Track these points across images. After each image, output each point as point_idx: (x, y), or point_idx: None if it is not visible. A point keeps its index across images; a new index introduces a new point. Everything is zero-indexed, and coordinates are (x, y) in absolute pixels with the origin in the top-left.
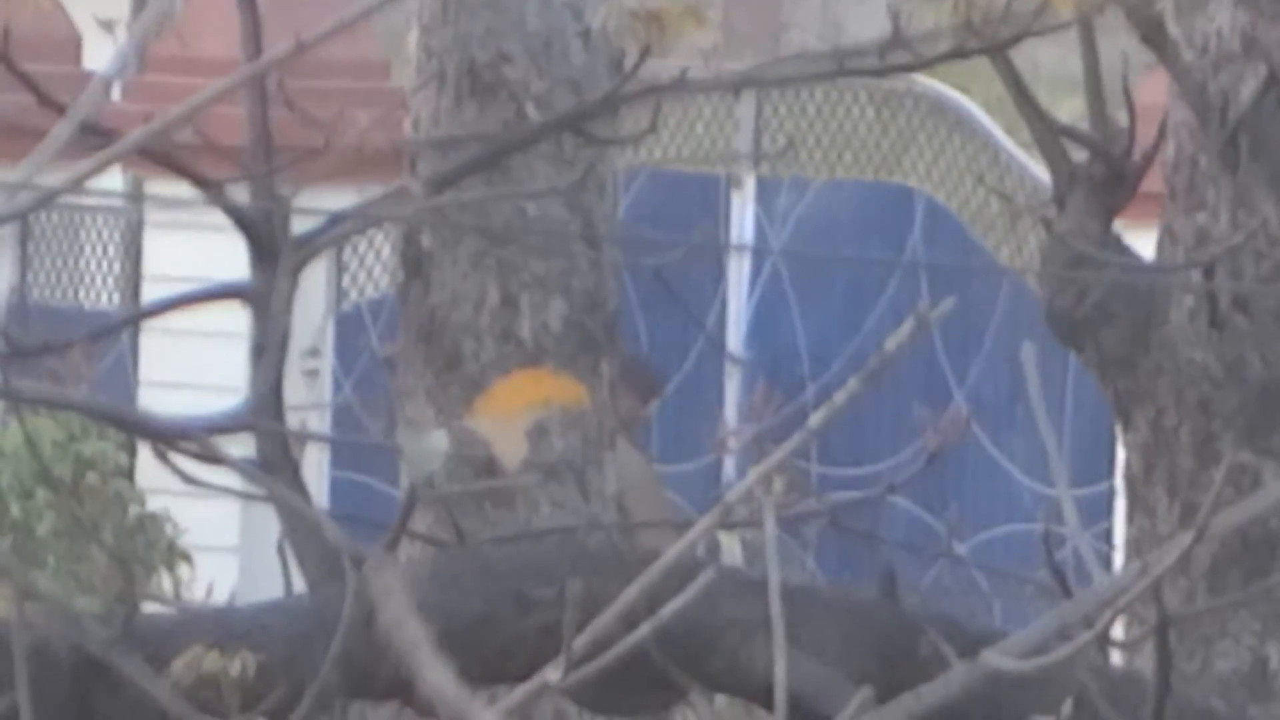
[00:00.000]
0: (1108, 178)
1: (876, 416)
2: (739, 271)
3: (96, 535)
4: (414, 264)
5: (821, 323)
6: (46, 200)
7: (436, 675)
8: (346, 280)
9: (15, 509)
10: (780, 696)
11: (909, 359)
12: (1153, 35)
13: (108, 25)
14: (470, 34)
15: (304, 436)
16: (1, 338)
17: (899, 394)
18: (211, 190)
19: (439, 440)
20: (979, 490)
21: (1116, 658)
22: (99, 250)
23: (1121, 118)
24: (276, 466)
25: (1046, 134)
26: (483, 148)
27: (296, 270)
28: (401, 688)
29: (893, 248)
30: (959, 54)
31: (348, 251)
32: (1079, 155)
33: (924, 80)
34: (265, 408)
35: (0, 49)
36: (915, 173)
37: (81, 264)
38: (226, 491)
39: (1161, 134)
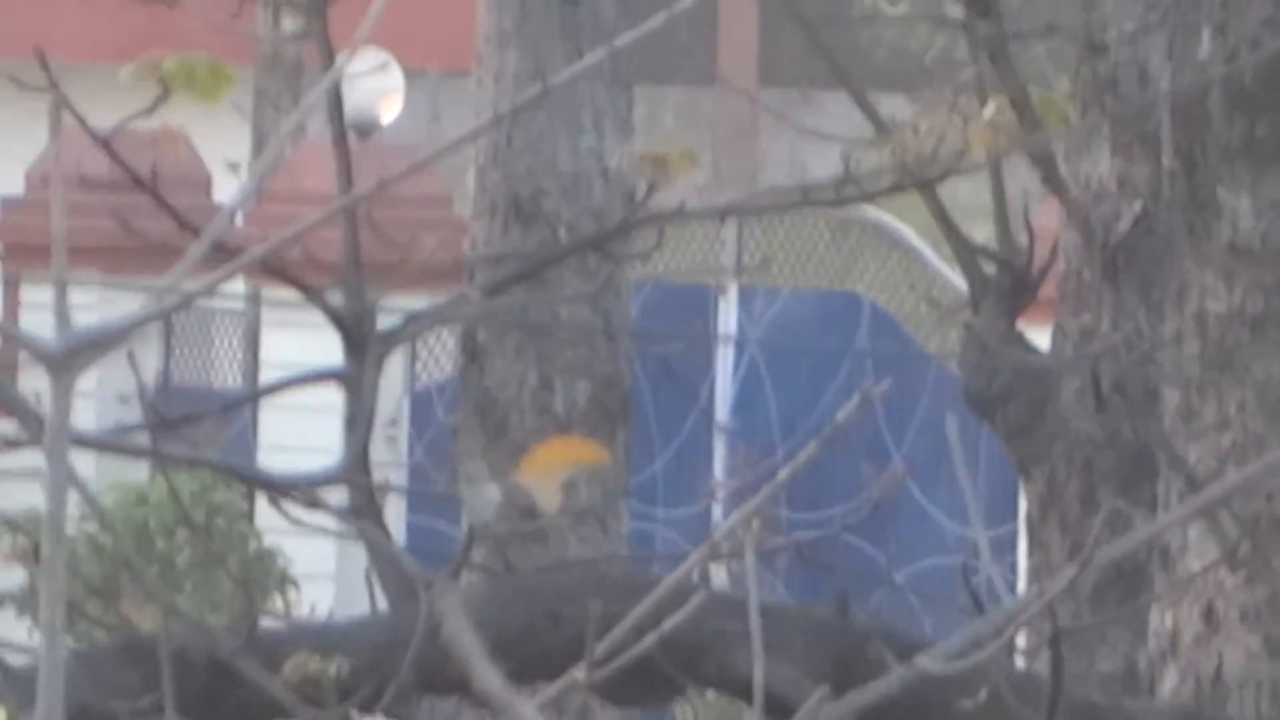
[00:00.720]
0: (1012, 287)
1: (832, 472)
2: (725, 360)
3: (224, 566)
4: (471, 353)
5: (789, 400)
6: (185, 303)
7: (487, 675)
8: (419, 366)
9: (161, 545)
10: (758, 692)
11: (857, 428)
12: (1048, 174)
13: (233, 166)
14: (515, 174)
15: (385, 489)
16: (150, 412)
17: (850, 455)
18: (314, 295)
19: (492, 492)
20: (912, 531)
21: (1020, 661)
22: (226, 342)
23: (1023, 239)
24: (364, 512)
25: (964, 252)
26: (525, 263)
27: (380, 359)
28: (461, 685)
29: (844, 341)
30: (896, 189)
31: (420, 344)
32: (990, 269)
33: (869, 209)
34: (356, 466)
35: (150, 185)
36: (862, 282)
37: (212, 353)
38: (325, 531)
39: (1054, 253)
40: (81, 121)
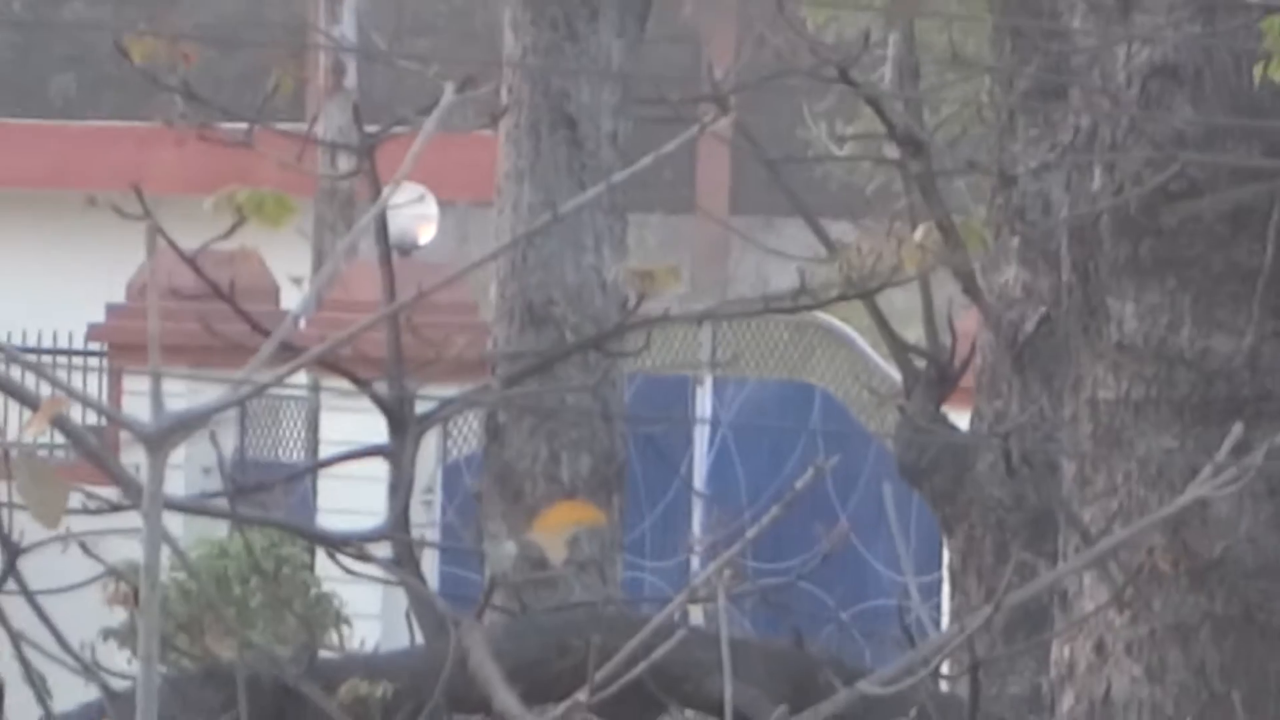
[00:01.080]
0: (938, 378)
1: (790, 530)
2: (701, 438)
3: (289, 607)
4: (493, 432)
5: (754, 471)
6: (258, 392)
7: (506, 698)
8: (450, 443)
9: (237, 590)
10: (728, 711)
11: (811, 494)
12: (968, 286)
13: (296, 280)
14: (529, 286)
15: (421, 544)
16: (229, 481)
17: (804, 516)
18: (363, 385)
19: (509, 547)
20: (855, 578)
21: (944, 686)
22: (292, 423)
23: (946, 339)
24: (405, 563)
25: (898, 349)
26: (537, 359)
27: (418, 437)
28: (484, 706)
29: (800, 422)
30: (842, 298)
31: (451, 425)
32: (920, 363)
33: (821, 315)
34: (398, 525)
35: (228, 295)
36: (814, 374)
37: (280, 432)
38: (373, 578)
39: (973, 350)
40: (172, 244)
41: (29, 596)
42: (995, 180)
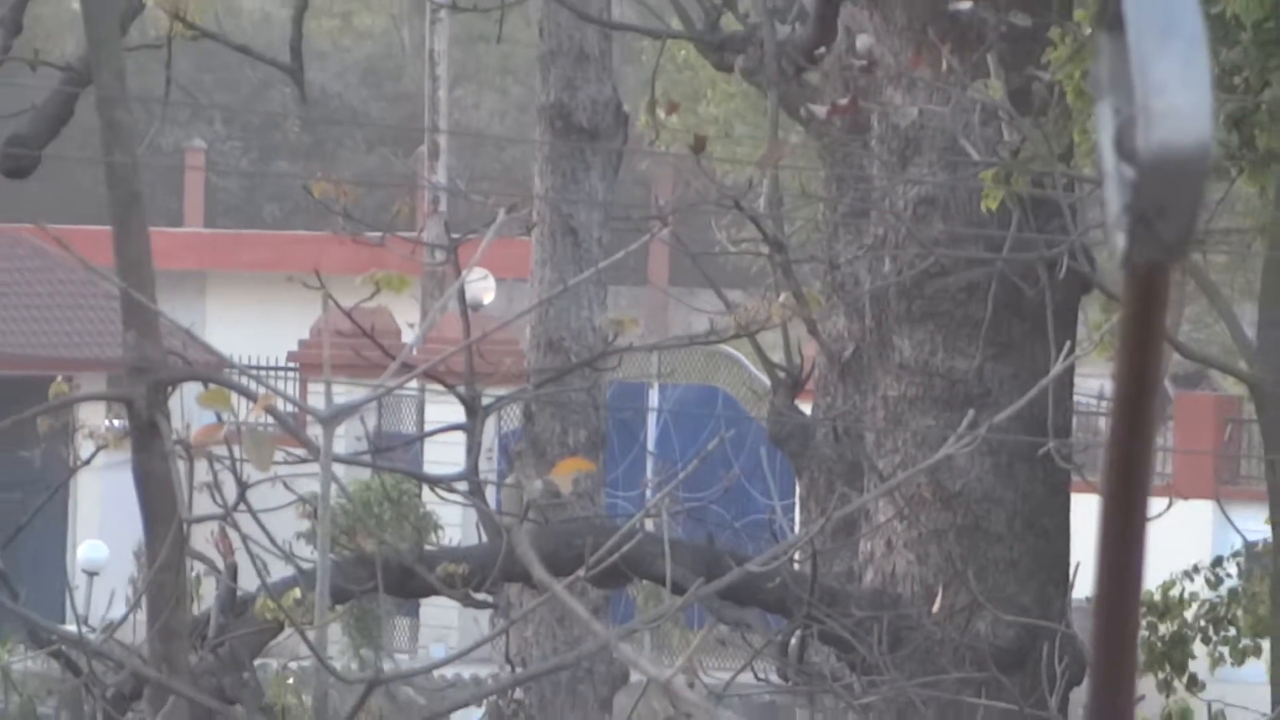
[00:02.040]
0: (792, 384)
1: (705, 475)
2: (651, 420)
3: (407, 520)
4: (528, 416)
5: (684, 440)
6: (388, 391)
7: (539, 572)
8: (502, 423)
9: (376, 510)
10: (668, 581)
11: (716, 453)
12: (811, 329)
13: (410, 325)
14: (550, 329)
15: (485, 483)
16: (372, 445)
17: (714, 466)
18: (450, 388)
19: (538, 484)
20: (744, 503)
21: (796, 567)
22: (409, 411)
23: (797, 360)
24: (476, 494)
25: (769, 366)
26: (554, 373)
27: (483, 420)
28: (525, 578)
29: (710, 410)
30: (736, 336)
31: (503, 412)
32: (781, 375)
33: (723, 346)
34: (472, 471)
35: (370, 334)
36: (719, 381)
37: (401, 416)
38: (457, 503)
39: (813, 367)
40: (337, 304)
41: (253, 514)
42: (826, 266)
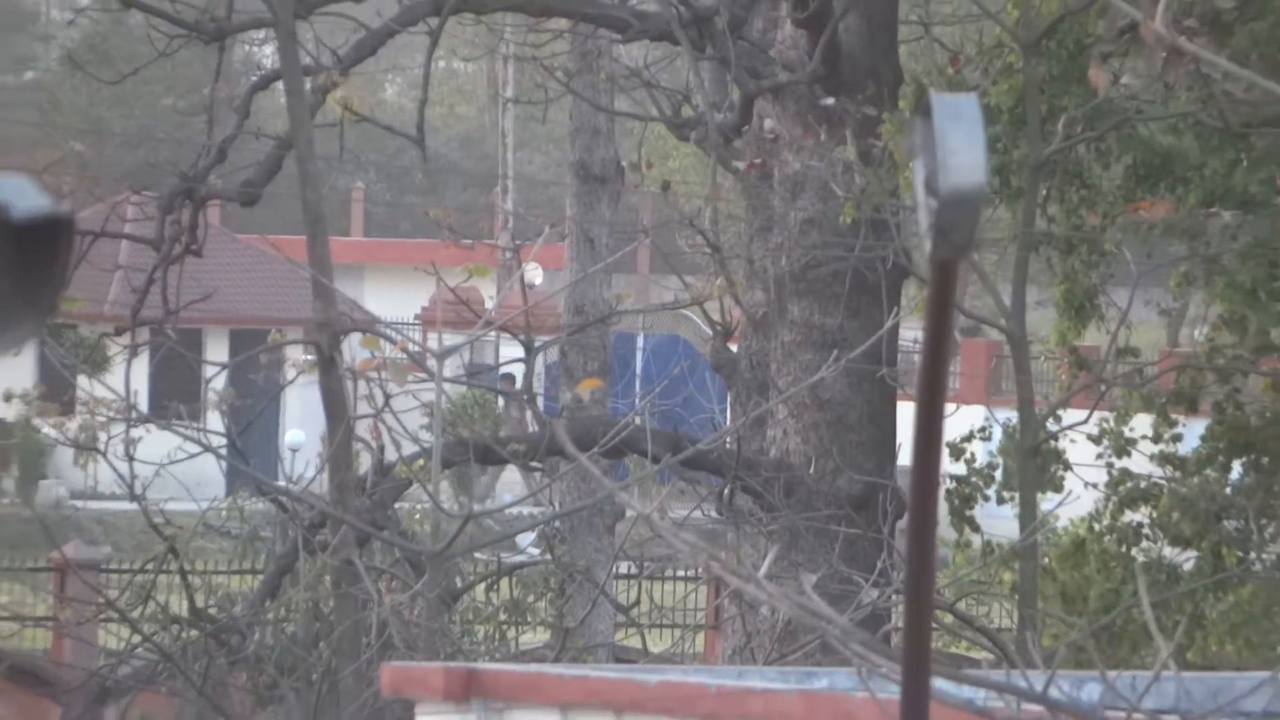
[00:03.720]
0: (724, 335)
1: (674, 390)
2: (638, 358)
3: (488, 415)
4: (563, 354)
5: (660, 368)
6: (475, 338)
7: (571, 449)
8: (547, 358)
9: (470, 412)
10: (649, 455)
11: (679, 377)
12: (737, 300)
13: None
14: (574, 299)
15: (536, 395)
16: (467, 370)
17: (676, 385)
18: (514, 334)
19: (569, 396)
20: (696, 407)
21: (729, 446)
22: (491, 351)
23: (729, 319)
24: (530, 401)
25: (711, 324)
26: (579, 327)
27: (535, 356)
28: (561, 451)
29: (674, 351)
30: (692, 304)
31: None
32: (719, 328)
33: (685, 311)
34: (527, 387)
35: (465, 303)
36: (681, 331)
37: (485, 353)
38: (521, 407)
39: (738, 323)
40: (446, 284)
41: (393, 413)
42: (747, 261)
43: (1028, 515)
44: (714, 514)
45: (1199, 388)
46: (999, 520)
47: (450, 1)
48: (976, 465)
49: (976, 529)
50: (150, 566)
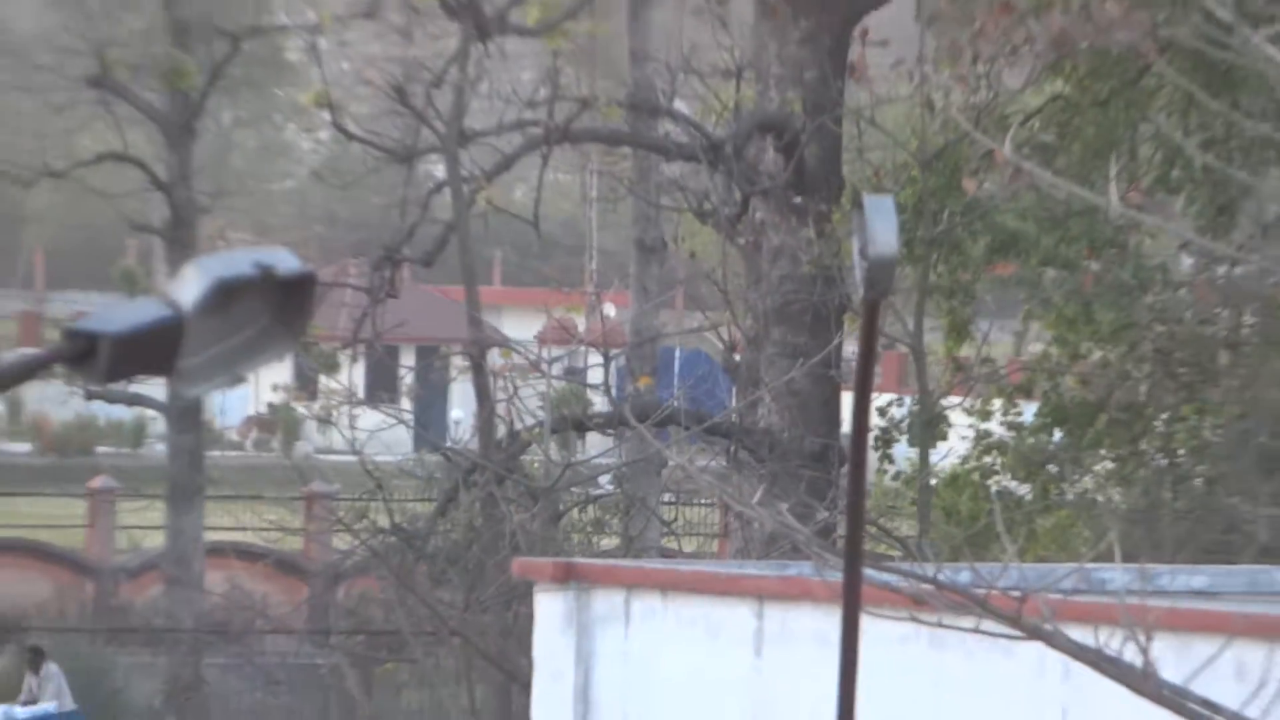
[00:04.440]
0: (732, 348)
1: (703, 385)
2: (675, 363)
3: (579, 401)
4: (627, 360)
5: (689, 370)
6: (571, 351)
7: (633, 420)
8: (616, 363)
9: (567, 399)
10: (683, 424)
11: (703, 377)
12: (738, 326)
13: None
14: (635, 327)
15: (610, 386)
16: (564, 371)
17: (701, 381)
18: (596, 348)
19: (631, 388)
20: (714, 396)
21: (734, 418)
22: (581, 359)
23: (734, 338)
24: (607, 391)
25: (722, 341)
26: (637, 343)
27: (610, 361)
28: (627, 424)
29: (700, 358)
30: (710, 328)
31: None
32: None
33: (707, 334)
34: (605, 382)
35: (564, 326)
36: (704, 347)
37: (578, 360)
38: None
39: (739, 341)
40: (551, 315)
41: (520, 400)
42: (746, 301)
43: (924, 460)
44: (723, 463)
45: (1033, 383)
46: (907, 458)
47: (554, 137)
48: (894, 419)
49: (893, 462)
50: (364, 497)
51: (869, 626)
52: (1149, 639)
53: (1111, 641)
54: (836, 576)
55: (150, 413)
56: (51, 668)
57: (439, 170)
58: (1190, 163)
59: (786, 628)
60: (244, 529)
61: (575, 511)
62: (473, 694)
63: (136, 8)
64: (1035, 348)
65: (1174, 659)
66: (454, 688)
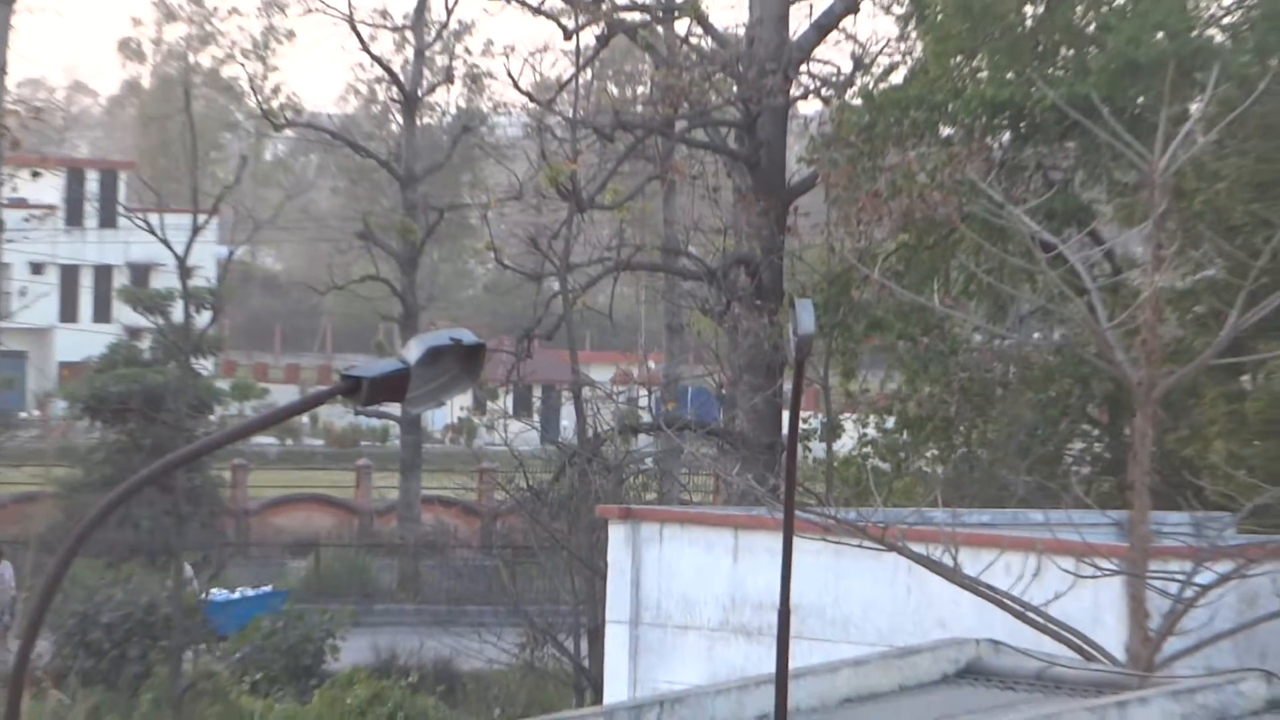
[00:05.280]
0: (719, 386)
1: (699, 407)
2: (689, 395)
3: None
4: (660, 396)
5: (696, 399)
6: (630, 386)
7: (664, 426)
8: (655, 394)
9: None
10: (691, 429)
11: (699, 403)
12: (724, 374)
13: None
14: (666, 380)
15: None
16: (628, 397)
17: (699, 405)
18: (642, 384)
19: (663, 409)
20: (709, 415)
21: (722, 423)
22: (648, 396)
23: (721, 383)
24: (658, 410)
25: (717, 384)
26: (666, 384)
27: (657, 394)
28: (660, 429)
29: (702, 392)
30: (707, 376)
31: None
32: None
33: (706, 377)
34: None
35: (626, 376)
36: (703, 384)
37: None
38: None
39: (725, 382)
40: (621, 369)
41: (599, 416)
42: (729, 361)
43: (829, 450)
44: (715, 451)
45: (891, 406)
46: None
47: (620, 266)
48: (812, 427)
49: (811, 451)
50: (512, 470)
51: (798, 544)
52: (957, 550)
53: (935, 552)
54: (779, 516)
55: (391, 422)
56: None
57: (555, 285)
58: (980, 281)
59: (752, 545)
60: (444, 488)
61: (631, 479)
62: (574, 582)
63: (385, 194)
64: (891, 386)
65: (971, 562)
66: (564, 578)
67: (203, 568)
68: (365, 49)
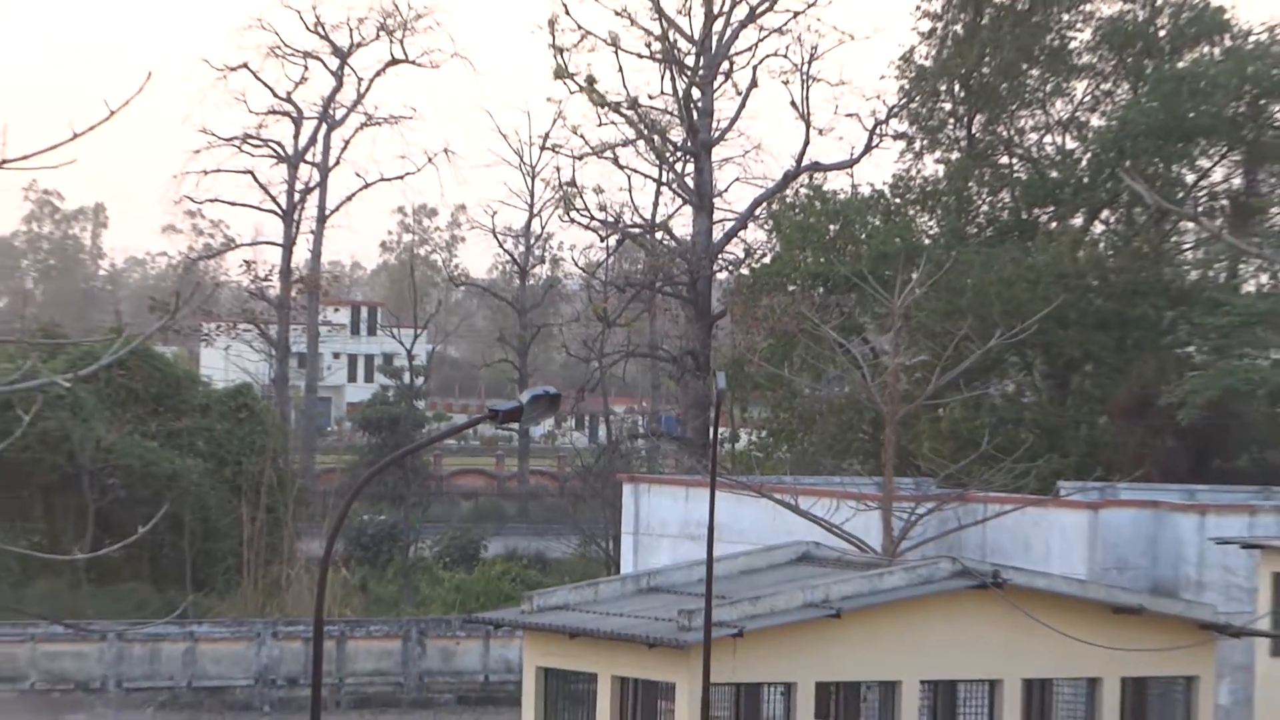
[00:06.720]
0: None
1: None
2: (672, 422)
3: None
4: (655, 432)
5: (670, 425)
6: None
7: (659, 437)
8: (662, 422)
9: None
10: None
11: (672, 425)
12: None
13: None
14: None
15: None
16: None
17: (670, 427)
18: (661, 421)
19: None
20: (665, 423)
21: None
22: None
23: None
24: (675, 437)
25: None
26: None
27: (661, 432)
28: (668, 438)
29: (673, 422)
30: (677, 413)
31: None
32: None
33: (673, 415)
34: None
35: (664, 421)
36: (675, 417)
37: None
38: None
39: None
40: (642, 411)
41: (630, 432)
42: (684, 409)
43: (733, 447)
44: (678, 447)
45: (768, 425)
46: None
47: (629, 359)
48: (724, 435)
49: (725, 446)
50: (573, 455)
51: (718, 495)
52: (797, 497)
53: (786, 497)
54: (708, 480)
55: (514, 432)
56: None
57: (595, 364)
58: (808, 362)
59: (695, 495)
60: (541, 466)
61: (635, 462)
62: (606, 515)
63: (508, 316)
64: (765, 414)
65: (804, 503)
66: (598, 514)
67: (416, 505)
68: (513, 260)
